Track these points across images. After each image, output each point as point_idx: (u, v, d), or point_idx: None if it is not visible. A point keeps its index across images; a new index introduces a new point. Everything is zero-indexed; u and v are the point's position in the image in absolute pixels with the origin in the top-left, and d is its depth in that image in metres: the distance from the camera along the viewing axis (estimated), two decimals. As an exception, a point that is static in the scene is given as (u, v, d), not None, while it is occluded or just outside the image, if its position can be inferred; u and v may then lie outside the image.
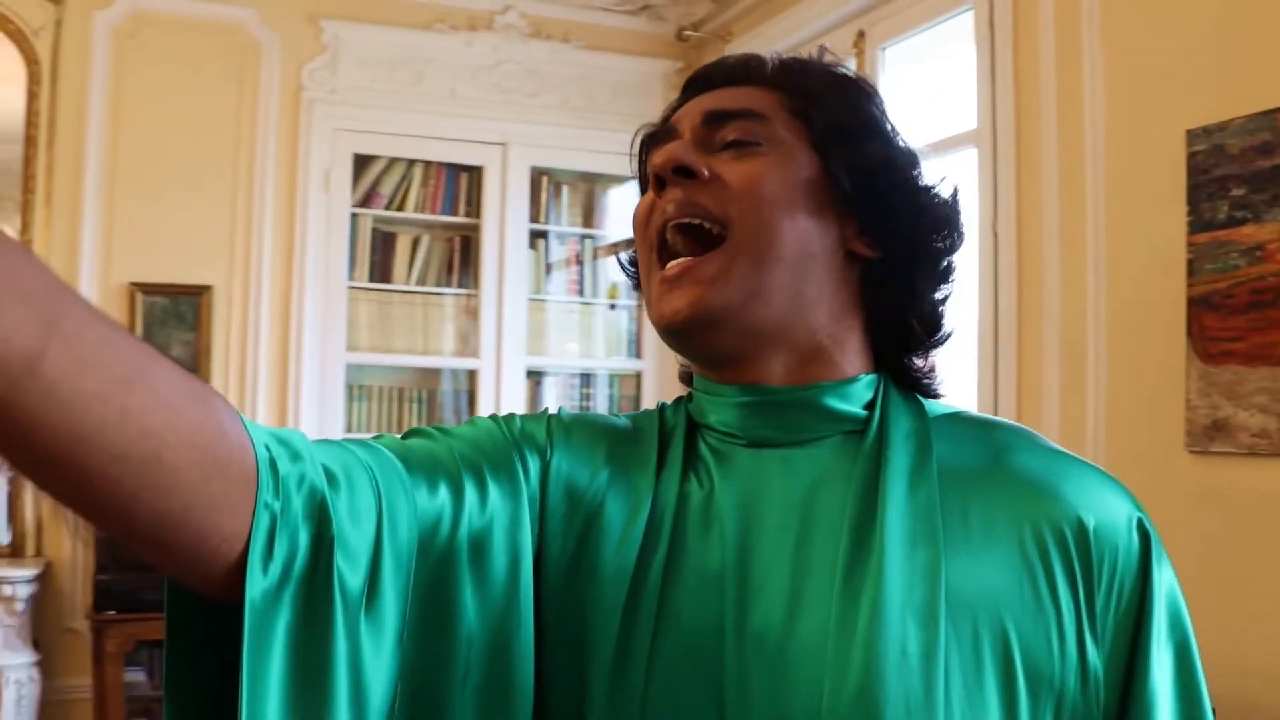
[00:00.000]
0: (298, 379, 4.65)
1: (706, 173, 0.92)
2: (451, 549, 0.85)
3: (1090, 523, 0.89)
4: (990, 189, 3.59)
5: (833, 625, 0.85)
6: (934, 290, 0.99)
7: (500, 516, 0.88)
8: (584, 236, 5.23)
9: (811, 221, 0.93)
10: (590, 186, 5.24)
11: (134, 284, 4.44)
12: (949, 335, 1.01)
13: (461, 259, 5.01)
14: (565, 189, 5.15)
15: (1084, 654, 0.87)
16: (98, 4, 4.38)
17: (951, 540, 0.87)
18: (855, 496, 0.89)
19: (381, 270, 4.90)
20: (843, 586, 0.86)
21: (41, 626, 4.32)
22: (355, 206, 4.81)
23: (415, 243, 4.96)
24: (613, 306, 5.24)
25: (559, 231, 5.16)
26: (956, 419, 0.98)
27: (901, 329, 0.99)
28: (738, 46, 4.85)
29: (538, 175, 5.06)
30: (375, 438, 0.91)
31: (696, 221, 0.92)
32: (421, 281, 4.95)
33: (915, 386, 1.00)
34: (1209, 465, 2.86)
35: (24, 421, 0.61)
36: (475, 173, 4.96)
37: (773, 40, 4.65)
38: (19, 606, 4.11)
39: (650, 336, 5.15)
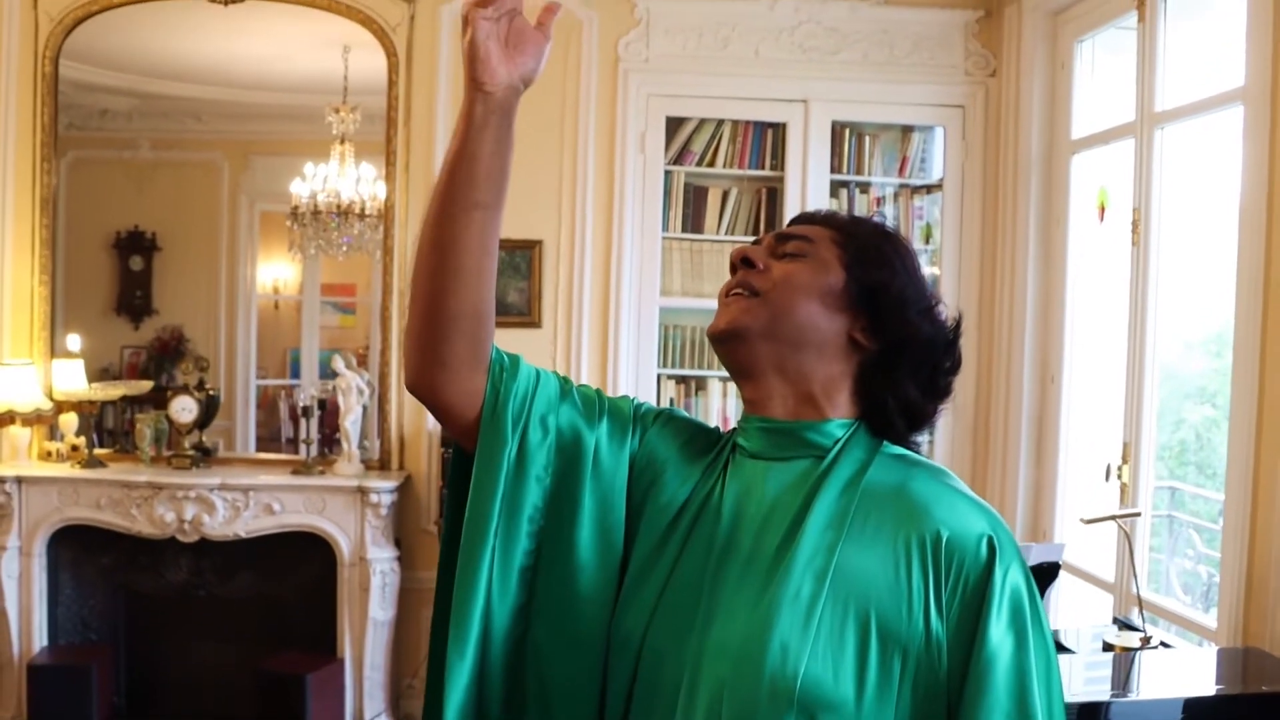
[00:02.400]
0: (617, 321, 5.23)
1: (761, 265, 1.45)
2: (583, 446, 1.47)
3: (945, 534, 1.33)
4: (1255, 150, 3.58)
5: (762, 575, 1.35)
6: (918, 389, 1.44)
7: (609, 448, 1.48)
8: (886, 185, 5.49)
9: (823, 309, 1.43)
10: (892, 136, 5.48)
11: (476, 239, 5.15)
12: (924, 423, 1.48)
13: (768, 209, 5.41)
14: (867, 139, 5.43)
15: (929, 624, 1.30)
16: (444, -2, 5.11)
17: (852, 533, 1.34)
18: (801, 498, 1.39)
19: (694, 221, 5.40)
20: (774, 553, 1.36)
21: (402, 527, 5.18)
22: (669, 164, 5.31)
23: (725, 195, 5.41)
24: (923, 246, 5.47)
25: (859, 181, 5.45)
26: (897, 457, 1.43)
27: (882, 407, 1.44)
28: (1032, -5, 4.95)
29: (840, 128, 5.36)
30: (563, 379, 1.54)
31: (743, 292, 1.45)
32: (730, 231, 5.40)
33: (887, 433, 1.45)
34: None
35: (480, 150, 1.37)
36: (779, 129, 5.33)
37: (1062, -9, 4.74)
38: (384, 511, 4.95)
39: (948, 281, 5.36)
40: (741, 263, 1.46)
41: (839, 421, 1.43)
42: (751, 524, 1.40)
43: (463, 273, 1.38)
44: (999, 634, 1.30)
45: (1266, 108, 3.53)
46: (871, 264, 1.45)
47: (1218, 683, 3.13)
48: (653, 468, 1.48)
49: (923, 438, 1.50)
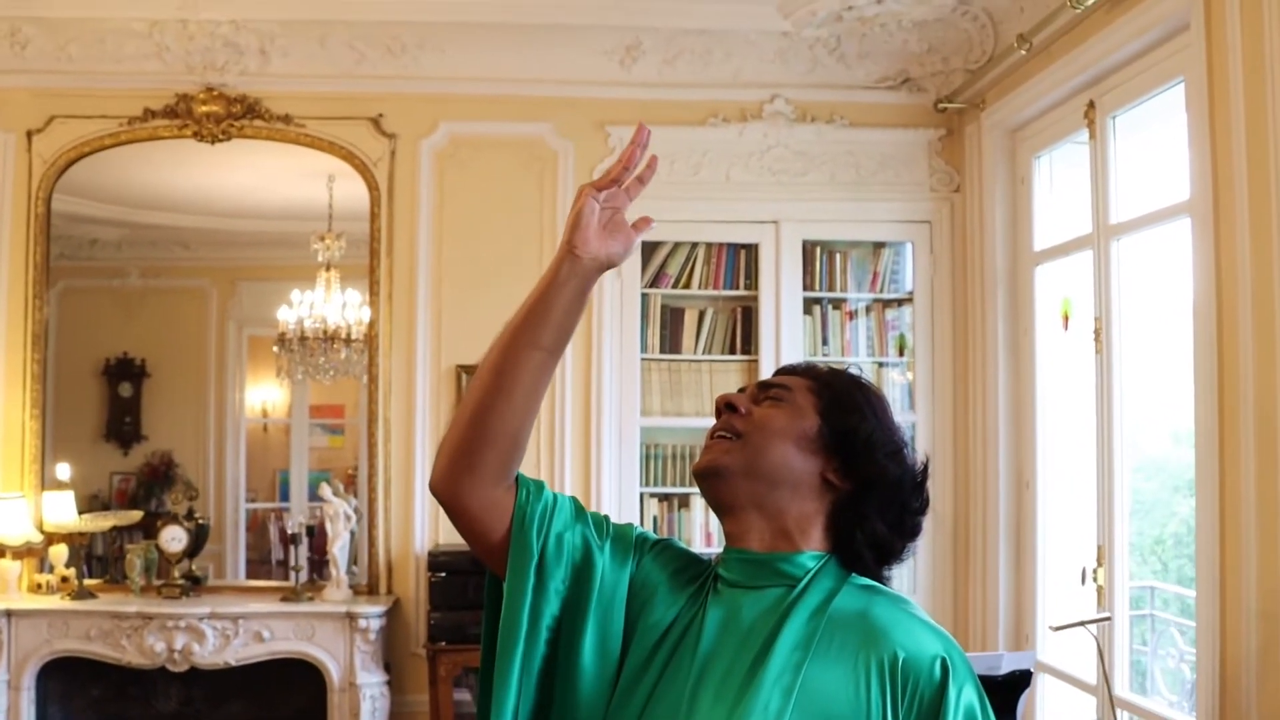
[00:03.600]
0: (599, 442, 5.34)
1: (743, 410, 1.59)
2: (592, 564, 1.59)
3: (902, 656, 1.44)
4: (1203, 259, 3.73)
5: (735, 691, 1.46)
6: (887, 525, 1.56)
7: (612, 567, 1.60)
8: (858, 300, 5.64)
9: (798, 451, 1.56)
10: (863, 252, 5.64)
11: (460, 365, 5.29)
12: (892, 558, 1.60)
13: (744, 328, 5.54)
14: (837, 257, 5.58)
15: None
16: (423, 133, 5.33)
17: (818, 654, 1.46)
18: (773, 622, 1.50)
19: (672, 342, 5.53)
20: (746, 670, 1.47)
21: (391, 651, 5.22)
22: (645, 287, 5.46)
23: (701, 315, 5.55)
24: (880, 365, 5.61)
25: (833, 297, 5.59)
26: (864, 587, 1.54)
27: (851, 541, 1.55)
28: (990, 114, 5.15)
29: (810, 247, 5.53)
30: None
31: (726, 434, 1.58)
32: (708, 350, 5.54)
33: (856, 565, 1.56)
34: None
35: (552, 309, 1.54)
36: (752, 249, 5.50)
37: (1018, 109, 4.94)
38: (372, 636, 5.00)
39: (923, 391, 5.49)
40: (725, 408, 1.60)
41: (811, 554, 1.55)
42: (728, 646, 1.50)
43: (512, 399, 1.54)
44: None
45: (1210, 219, 3.69)
46: (844, 410, 1.58)
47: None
48: (646, 589, 1.60)
49: (892, 571, 1.61)
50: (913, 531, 1.59)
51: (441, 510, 5.13)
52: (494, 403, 1.54)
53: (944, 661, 1.44)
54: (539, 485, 1.61)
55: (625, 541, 1.63)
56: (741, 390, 1.66)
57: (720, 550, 1.63)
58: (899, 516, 1.57)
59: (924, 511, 1.61)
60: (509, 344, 1.54)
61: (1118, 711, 3.96)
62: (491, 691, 1.56)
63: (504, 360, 1.54)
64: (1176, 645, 5.15)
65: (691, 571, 1.63)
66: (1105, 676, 3.70)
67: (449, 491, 1.58)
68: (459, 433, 1.56)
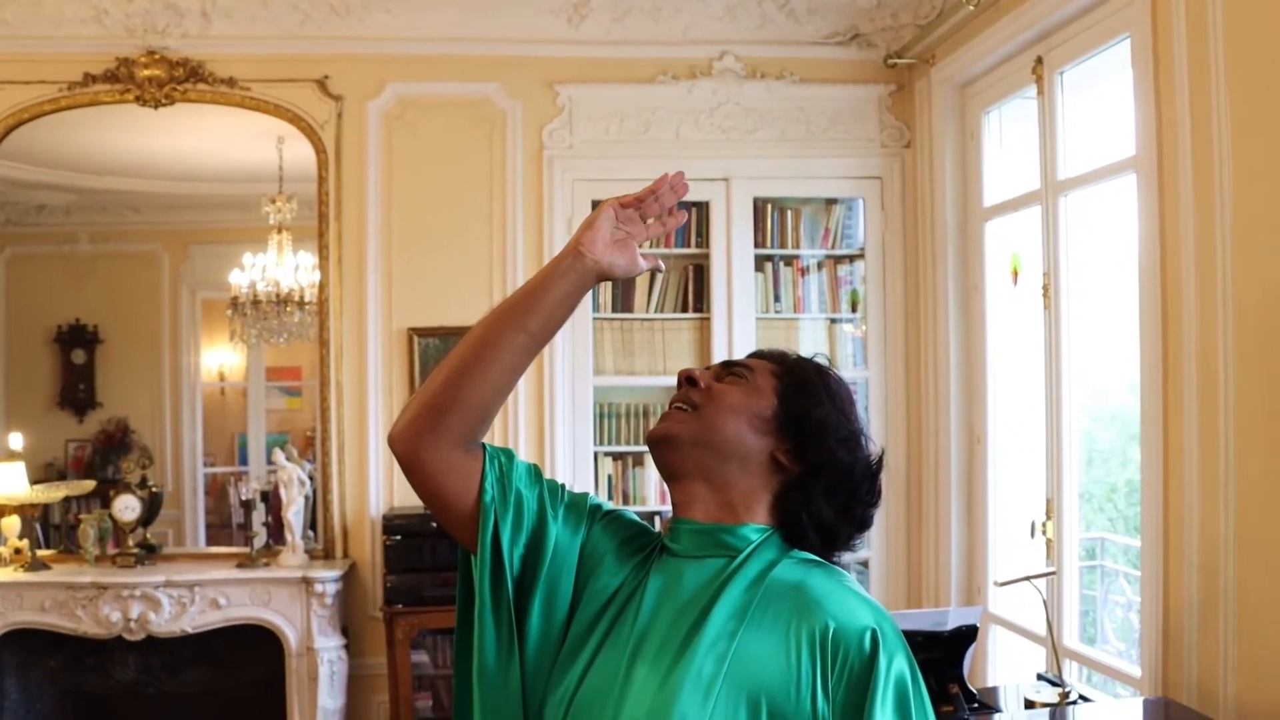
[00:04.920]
0: (552, 402, 5.33)
1: (702, 384, 1.63)
2: (545, 535, 1.63)
3: (833, 626, 1.46)
4: (1147, 215, 3.76)
5: (671, 657, 1.49)
6: (833, 510, 1.59)
7: (564, 533, 1.64)
8: (810, 257, 5.64)
9: (749, 428, 1.59)
10: (815, 208, 5.64)
11: (411, 328, 5.27)
12: (838, 543, 1.62)
13: (695, 286, 5.54)
14: (789, 214, 5.58)
15: (815, 707, 1.44)
16: (369, 95, 5.27)
17: (752, 623, 1.49)
18: (711, 591, 1.53)
19: (624, 301, 5.52)
20: (683, 638, 1.50)
21: (348, 615, 5.24)
22: (597, 246, 5.42)
23: (652, 274, 5.49)
24: (833, 321, 5.63)
25: (784, 254, 5.59)
26: (804, 561, 1.58)
27: (796, 521, 1.59)
28: (940, 69, 5.14)
29: (761, 204, 5.53)
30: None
31: (683, 406, 1.62)
32: (660, 309, 5.53)
33: (800, 544, 1.59)
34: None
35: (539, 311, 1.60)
36: (703, 207, 5.48)
37: (967, 64, 4.93)
38: (329, 600, 5.00)
39: (875, 347, 5.52)
40: (685, 381, 1.65)
41: (754, 527, 1.59)
42: (666, 614, 1.54)
43: (488, 373, 1.59)
44: (885, 714, 1.43)
45: (1154, 175, 3.71)
46: (801, 394, 1.62)
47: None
48: (594, 557, 1.64)
49: (841, 556, 1.64)
50: (861, 521, 1.62)
51: (397, 474, 5.10)
52: (470, 371, 1.58)
53: (874, 633, 1.46)
54: (507, 452, 1.65)
55: (579, 509, 1.67)
56: (707, 368, 1.70)
57: (668, 518, 1.68)
58: (846, 504, 1.60)
59: (874, 504, 1.63)
60: (497, 321, 1.60)
61: (1066, 662, 4.02)
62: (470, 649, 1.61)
63: (489, 334, 1.59)
64: (1125, 595, 5.23)
65: (639, 542, 1.67)
66: (1051, 629, 3.75)
67: (409, 447, 1.60)
68: (430, 393, 1.60)
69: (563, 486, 1.69)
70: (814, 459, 1.59)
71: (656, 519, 5.21)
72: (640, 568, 1.63)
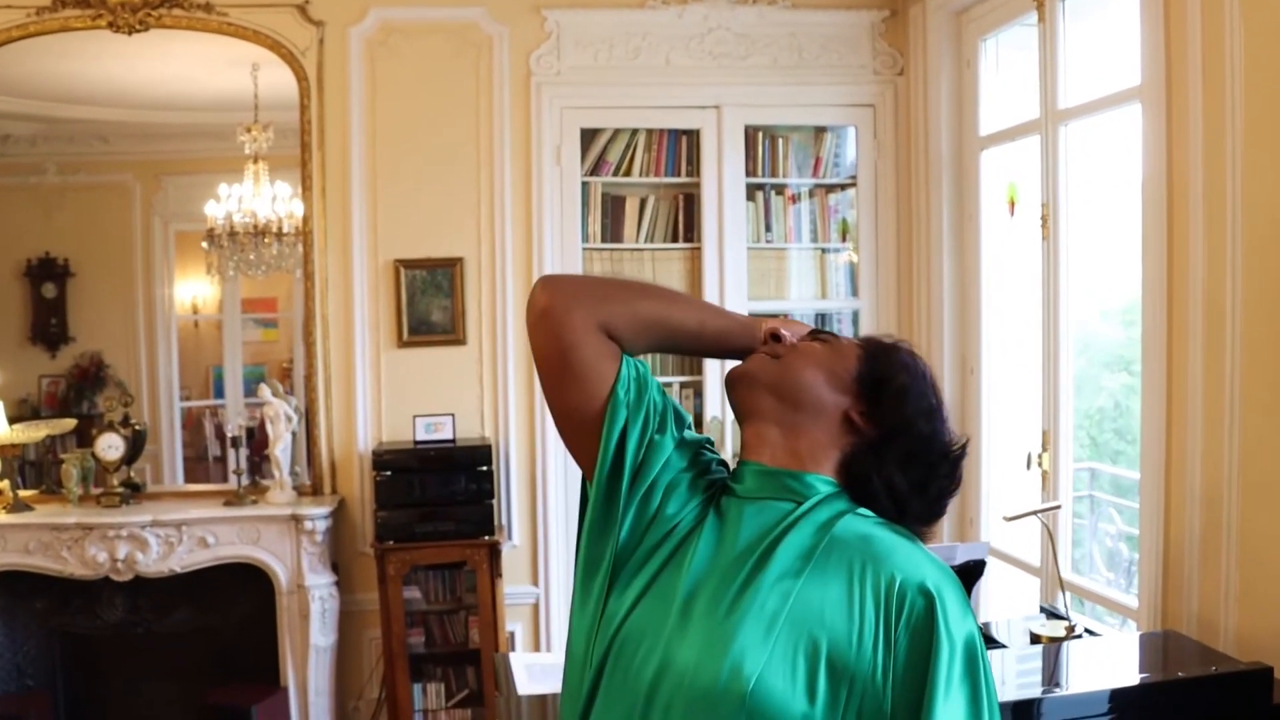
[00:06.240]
0: (542, 334, 5.24)
1: (789, 339, 1.66)
2: (661, 449, 1.63)
3: (899, 577, 1.44)
4: (1153, 145, 3.70)
5: (735, 591, 1.47)
6: (907, 482, 1.56)
7: (675, 455, 1.64)
8: (800, 185, 5.57)
9: (826, 384, 1.60)
10: (804, 137, 5.55)
11: (398, 260, 5.17)
12: (908, 516, 1.58)
13: (686, 215, 5.46)
14: (780, 142, 5.49)
15: (877, 658, 1.41)
16: (351, 20, 5.11)
17: (817, 567, 1.47)
18: (777, 532, 1.52)
19: (613, 231, 5.44)
20: (746, 574, 1.49)
21: (339, 551, 5.19)
22: (586, 175, 5.35)
23: (642, 204, 5.45)
24: (823, 251, 5.57)
25: (775, 183, 5.51)
26: (870, 516, 1.55)
27: (866, 483, 1.57)
28: (935, -5, 5.04)
29: (752, 132, 5.43)
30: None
31: (768, 354, 1.64)
32: (650, 239, 5.45)
33: (871, 506, 1.57)
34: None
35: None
36: (693, 135, 5.39)
37: (964, -8, 4.84)
38: (319, 537, 4.96)
39: (866, 277, 5.46)
40: (771, 337, 1.67)
41: (824, 478, 1.58)
42: (727, 552, 1.53)
43: (655, 306, 1.66)
44: (951, 678, 1.40)
45: (1162, 105, 3.65)
46: (883, 362, 1.62)
47: (1141, 671, 3.25)
48: (676, 483, 1.63)
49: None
50: (937, 499, 1.60)
51: (386, 408, 5.01)
52: (651, 294, 1.70)
53: (940, 590, 1.43)
54: (641, 361, 1.66)
55: (691, 433, 1.69)
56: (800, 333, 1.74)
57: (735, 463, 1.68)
58: (923, 478, 1.58)
59: (952, 489, 1.61)
60: (691, 303, 1.79)
61: (1059, 593, 4.03)
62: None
63: (680, 297, 1.80)
64: (1116, 524, 5.26)
65: (710, 477, 1.66)
66: (1055, 563, 3.75)
67: (565, 301, 1.58)
68: (607, 283, 1.67)
69: (680, 408, 1.69)
70: (890, 423, 1.57)
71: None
72: (704, 504, 1.62)
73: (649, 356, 1.76)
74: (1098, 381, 6.22)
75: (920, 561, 1.47)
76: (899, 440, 1.57)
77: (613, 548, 1.58)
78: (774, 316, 1.79)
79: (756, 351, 1.66)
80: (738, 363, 1.68)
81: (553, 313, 1.56)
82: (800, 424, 1.59)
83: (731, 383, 1.65)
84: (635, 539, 1.58)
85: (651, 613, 1.51)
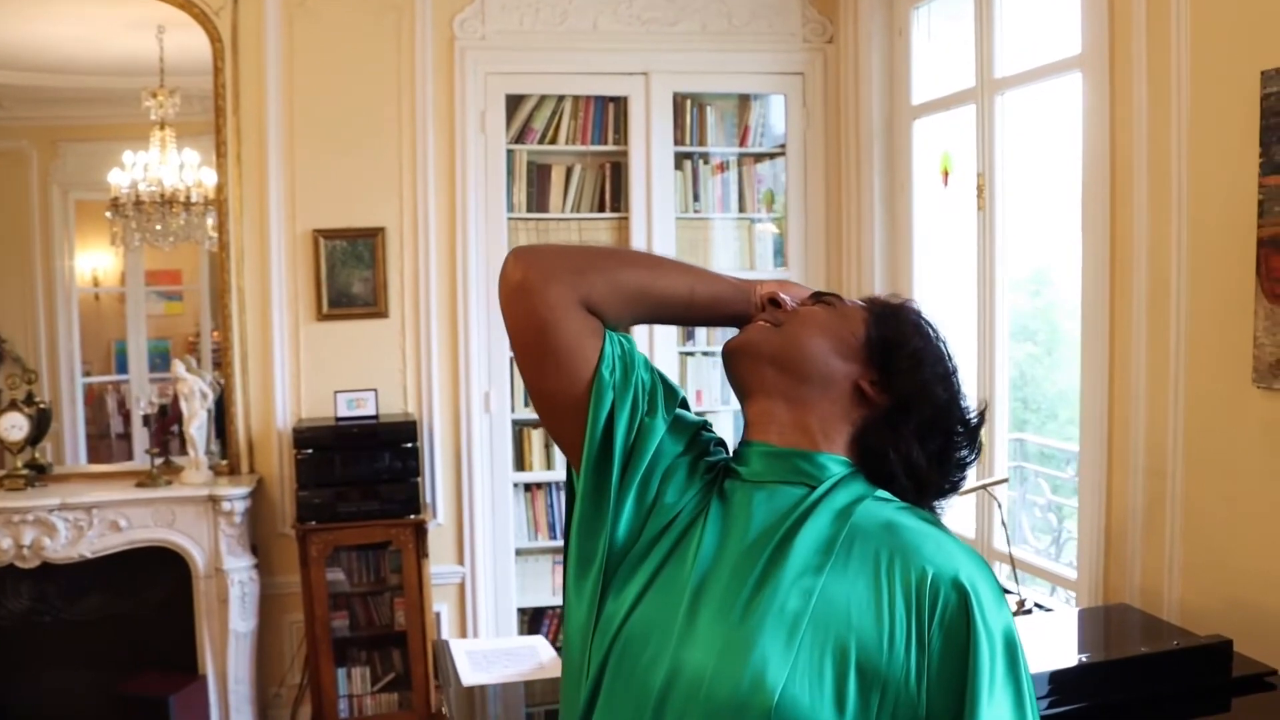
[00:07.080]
0: (466, 307, 5.11)
1: (789, 305, 1.53)
2: (652, 431, 1.49)
3: (930, 571, 1.30)
4: (1095, 114, 3.67)
5: (750, 589, 1.33)
6: (925, 455, 1.43)
7: (668, 439, 1.49)
8: (728, 155, 5.48)
9: (834, 352, 1.46)
10: (730, 105, 5.46)
11: (317, 230, 4.99)
12: (930, 491, 1.45)
13: (613, 184, 5.34)
14: (709, 110, 5.40)
15: (909, 661, 1.28)
16: (268, -21, 4.88)
17: (839, 561, 1.33)
18: (792, 521, 1.38)
19: (539, 200, 5.31)
20: (762, 568, 1.34)
21: (258, 533, 5.01)
22: (511, 143, 5.20)
23: (569, 172, 5.32)
24: (752, 222, 5.50)
25: (702, 151, 5.42)
26: (889, 500, 1.42)
27: (883, 459, 1.44)
28: (867, -38, 4.97)
29: (681, 100, 5.33)
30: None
31: (766, 323, 1.51)
32: (576, 208, 5.33)
33: (888, 486, 1.44)
34: (1274, 400, 2.97)
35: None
36: (621, 102, 5.27)
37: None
38: (237, 519, 4.77)
39: (795, 247, 5.40)
40: (770, 302, 1.54)
41: (837, 458, 1.45)
42: (736, 545, 1.39)
43: (639, 272, 1.54)
44: (995, 677, 1.28)
45: (1105, 74, 3.62)
46: (893, 324, 1.49)
47: (1105, 648, 3.22)
48: (675, 468, 1.49)
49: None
50: (958, 468, 1.46)
51: (305, 384, 4.83)
52: (633, 262, 1.62)
53: (975, 583, 1.30)
54: (626, 335, 1.51)
55: (685, 412, 1.54)
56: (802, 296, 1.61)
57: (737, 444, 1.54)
58: (942, 448, 1.44)
59: (971, 459, 1.47)
60: (677, 266, 1.56)
61: (996, 564, 4.02)
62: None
63: (666, 263, 1.59)
64: (1044, 495, 5.27)
65: (710, 460, 1.53)
66: (1007, 538, 3.73)
67: (542, 275, 1.43)
68: (589, 254, 1.53)
69: (672, 384, 1.55)
70: (905, 392, 1.44)
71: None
72: (705, 490, 1.47)
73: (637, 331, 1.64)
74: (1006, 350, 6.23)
75: (953, 552, 1.34)
76: (915, 410, 1.44)
77: (606, 543, 1.43)
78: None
79: (754, 319, 1.53)
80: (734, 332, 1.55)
81: (528, 287, 1.42)
82: (808, 398, 1.45)
83: (730, 356, 1.51)
84: (633, 533, 1.44)
85: (655, 613, 1.37)
